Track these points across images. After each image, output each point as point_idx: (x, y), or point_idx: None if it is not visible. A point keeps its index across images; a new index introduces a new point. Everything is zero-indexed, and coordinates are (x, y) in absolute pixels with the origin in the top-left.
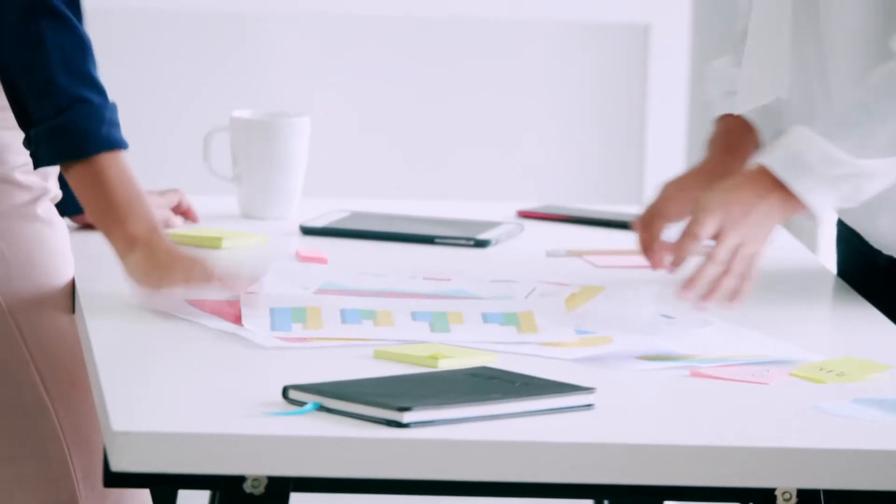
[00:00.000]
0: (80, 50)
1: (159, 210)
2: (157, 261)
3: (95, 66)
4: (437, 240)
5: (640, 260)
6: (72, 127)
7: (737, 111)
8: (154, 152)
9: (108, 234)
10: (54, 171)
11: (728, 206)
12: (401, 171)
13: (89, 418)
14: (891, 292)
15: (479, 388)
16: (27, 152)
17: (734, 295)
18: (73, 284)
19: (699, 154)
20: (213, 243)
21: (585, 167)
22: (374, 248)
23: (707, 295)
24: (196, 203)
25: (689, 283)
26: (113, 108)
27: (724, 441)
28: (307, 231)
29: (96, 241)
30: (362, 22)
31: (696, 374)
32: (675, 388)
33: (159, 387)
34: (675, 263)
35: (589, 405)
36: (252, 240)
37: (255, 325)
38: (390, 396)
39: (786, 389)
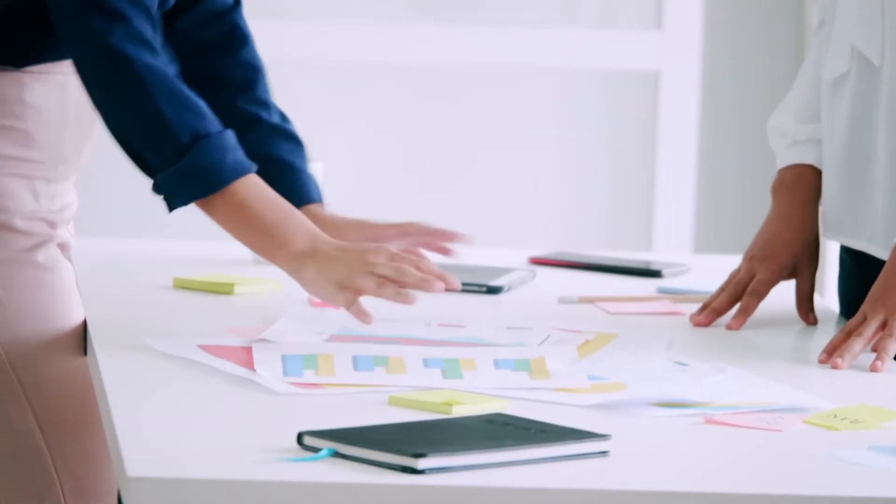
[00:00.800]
0: (179, 86)
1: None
2: (330, 268)
3: (194, 96)
4: None
5: (653, 306)
6: (200, 166)
7: (824, 79)
8: None
9: (274, 261)
10: (63, 218)
11: (885, 298)
12: (413, 216)
13: (89, 465)
14: None
15: (494, 435)
16: (29, 199)
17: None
18: (84, 328)
19: (708, 200)
20: (226, 289)
21: (595, 213)
22: None
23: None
24: (208, 248)
25: (840, 356)
26: (229, 135)
27: (740, 488)
28: None
29: (109, 284)
30: (374, 69)
31: (710, 422)
32: (689, 436)
33: (174, 432)
34: (844, 361)
35: (604, 452)
36: (265, 286)
37: (267, 370)
38: (405, 443)
39: (800, 437)
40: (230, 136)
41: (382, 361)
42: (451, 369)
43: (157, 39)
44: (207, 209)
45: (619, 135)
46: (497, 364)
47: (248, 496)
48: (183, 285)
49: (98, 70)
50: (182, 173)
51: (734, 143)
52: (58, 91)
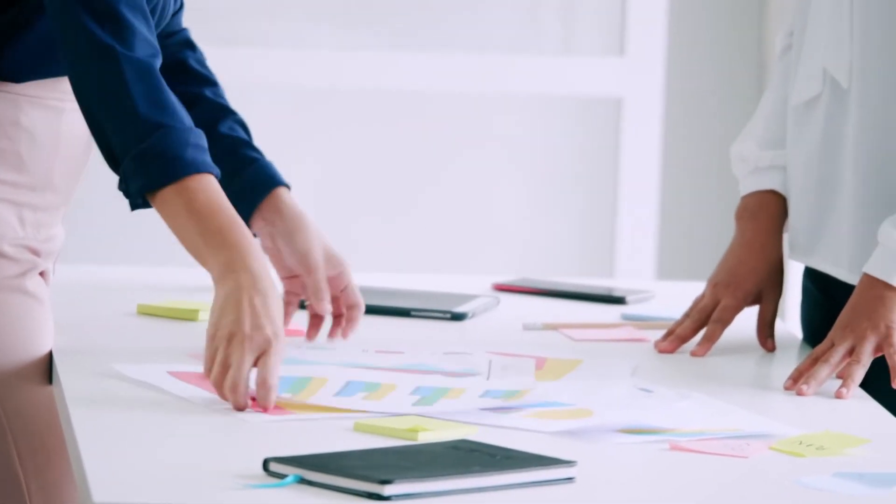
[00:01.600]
0: (157, 79)
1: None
2: (226, 301)
3: (172, 95)
4: (413, 312)
5: (617, 333)
6: (154, 152)
7: (793, 102)
8: (132, 221)
9: (204, 263)
10: (47, 248)
11: (854, 325)
12: (377, 243)
13: (60, 493)
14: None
15: (460, 461)
16: (17, 226)
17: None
18: (50, 356)
19: (671, 227)
20: (190, 315)
21: (558, 239)
22: None
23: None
24: (172, 274)
25: (805, 383)
26: (198, 133)
27: None
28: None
29: (72, 310)
30: (338, 95)
31: (675, 448)
32: (655, 462)
33: (140, 458)
34: (810, 388)
35: (570, 478)
36: None
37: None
38: (371, 469)
39: (765, 463)
40: (197, 135)
41: (371, 387)
42: (432, 396)
43: (148, 35)
44: (156, 200)
45: (582, 161)
46: (485, 394)
47: None
48: (147, 312)
49: (81, 57)
50: (138, 160)
51: (697, 169)
52: (52, 117)
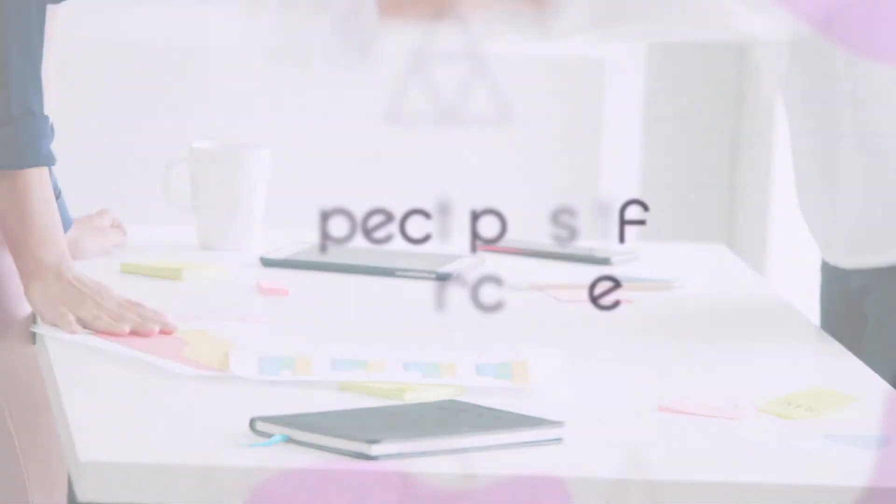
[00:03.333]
0: (39, 49)
1: (105, 234)
2: (63, 291)
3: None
4: (398, 272)
5: None
6: (17, 136)
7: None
8: (114, 182)
9: (19, 258)
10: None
11: None
12: (360, 203)
13: (50, 449)
14: (877, 338)
15: (448, 421)
16: None
17: None
18: (33, 315)
19: (654, 188)
20: (174, 274)
21: (540, 200)
22: (335, 279)
23: None
24: (155, 233)
25: None
26: (46, 118)
27: (694, 476)
28: (267, 262)
29: None
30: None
31: (664, 410)
32: (643, 423)
33: (126, 417)
34: None
35: (557, 439)
36: (212, 271)
37: (244, 371)
38: (358, 429)
39: (755, 425)
40: (46, 121)
41: (361, 364)
42: (431, 372)
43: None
44: None
45: (564, 123)
46: (479, 370)
47: (199, 481)
48: (131, 270)
49: None
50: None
51: (680, 131)
52: None
